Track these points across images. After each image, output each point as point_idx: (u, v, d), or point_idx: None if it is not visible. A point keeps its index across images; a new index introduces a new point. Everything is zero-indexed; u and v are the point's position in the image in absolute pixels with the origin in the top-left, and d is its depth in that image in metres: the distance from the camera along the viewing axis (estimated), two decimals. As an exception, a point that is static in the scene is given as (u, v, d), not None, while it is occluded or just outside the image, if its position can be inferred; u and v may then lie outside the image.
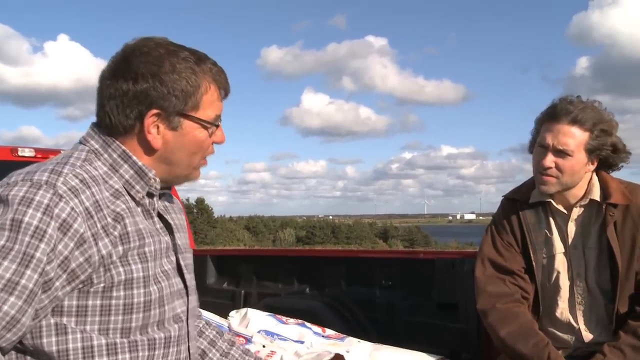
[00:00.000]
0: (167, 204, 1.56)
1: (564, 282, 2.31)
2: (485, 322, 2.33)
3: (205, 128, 1.44)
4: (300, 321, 2.73)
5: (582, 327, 2.29)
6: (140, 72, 1.36)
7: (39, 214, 1.22)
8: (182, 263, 1.51)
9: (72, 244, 1.25)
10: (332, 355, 2.33)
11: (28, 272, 1.20)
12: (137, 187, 1.41)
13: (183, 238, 1.58)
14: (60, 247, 1.23)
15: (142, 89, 1.36)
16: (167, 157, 1.43)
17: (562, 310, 2.32)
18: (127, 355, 1.35)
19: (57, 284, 1.25)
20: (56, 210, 1.24)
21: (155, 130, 1.40)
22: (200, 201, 66.12)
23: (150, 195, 1.45)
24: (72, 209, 1.26)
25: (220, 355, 1.74)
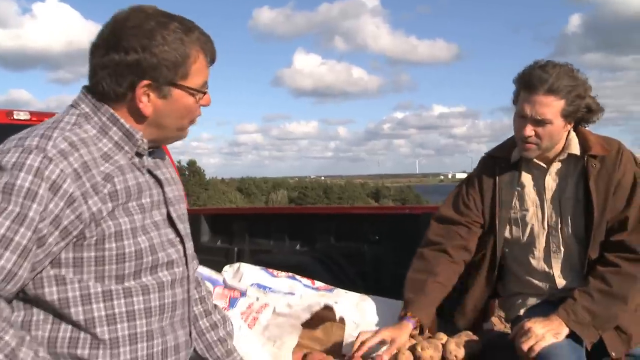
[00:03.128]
0: (158, 159, 1.67)
1: (540, 233, 2.45)
2: None
3: (193, 95, 1.54)
4: (290, 274, 2.84)
5: (557, 274, 2.43)
6: (132, 44, 1.44)
7: (30, 177, 1.33)
8: (173, 215, 1.62)
9: (62, 203, 1.36)
10: (322, 305, 2.44)
11: (22, 229, 1.31)
12: (126, 148, 1.51)
13: (176, 190, 1.69)
14: (51, 206, 1.34)
15: (134, 60, 1.44)
16: (157, 122, 1.54)
17: (538, 259, 2.45)
18: (122, 301, 1.47)
19: (51, 239, 1.36)
20: (46, 173, 1.34)
21: (146, 99, 1.49)
22: (192, 163, 66.03)
23: (139, 155, 1.55)
24: (62, 170, 1.36)
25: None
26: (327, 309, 2.45)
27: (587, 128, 2.47)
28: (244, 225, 4.33)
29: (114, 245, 1.43)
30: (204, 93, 1.57)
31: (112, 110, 1.50)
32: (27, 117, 3.93)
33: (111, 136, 1.49)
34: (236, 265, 2.98)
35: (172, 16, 1.50)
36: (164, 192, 1.61)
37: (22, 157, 1.34)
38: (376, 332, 2.27)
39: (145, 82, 1.46)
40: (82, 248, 1.41)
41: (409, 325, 2.32)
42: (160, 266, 1.54)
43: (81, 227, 1.39)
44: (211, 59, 1.58)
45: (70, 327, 1.43)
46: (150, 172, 1.59)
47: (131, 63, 1.44)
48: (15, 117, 3.88)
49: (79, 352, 1.43)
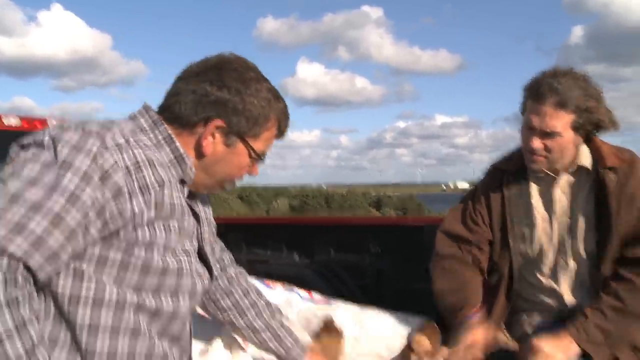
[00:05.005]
0: (197, 199, 1.64)
1: (548, 248, 2.33)
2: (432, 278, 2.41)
3: (252, 158, 1.55)
4: (287, 286, 2.75)
5: (566, 291, 2.31)
6: (228, 83, 1.47)
7: (88, 160, 1.29)
8: (206, 250, 1.62)
9: (109, 194, 1.31)
10: (321, 318, 2.35)
11: (73, 210, 1.25)
12: (173, 172, 1.47)
13: (210, 233, 1.69)
14: (98, 194, 1.29)
15: (223, 97, 1.46)
16: (208, 167, 1.53)
17: (546, 276, 2.34)
18: (132, 316, 1.39)
19: (92, 230, 1.30)
20: (100, 160, 1.30)
21: (212, 139, 1.49)
22: (193, 171, 66.02)
23: (182, 182, 1.51)
24: (115, 162, 1.33)
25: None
26: (327, 320, 2.34)
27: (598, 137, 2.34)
28: (241, 235, 4.23)
29: (143, 254, 1.38)
30: (261, 161, 1.59)
31: (169, 131, 1.48)
32: (18, 122, 3.82)
33: (162, 156, 1.47)
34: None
35: (267, 79, 1.55)
36: (199, 228, 1.59)
37: (83, 138, 1.32)
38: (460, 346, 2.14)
39: (220, 122, 1.48)
40: (111, 247, 1.35)
41: (478, 320, 2.18)
42: (180, 293, 1.49)
43: (120, 224, 1.34)
44: (280, 135, 1.60)
45: (63, 330, 1.34)
46: (188, 205, 1.55)
47: (219, 99, 1.47)
48: (4, 122, 3.76)
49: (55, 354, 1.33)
